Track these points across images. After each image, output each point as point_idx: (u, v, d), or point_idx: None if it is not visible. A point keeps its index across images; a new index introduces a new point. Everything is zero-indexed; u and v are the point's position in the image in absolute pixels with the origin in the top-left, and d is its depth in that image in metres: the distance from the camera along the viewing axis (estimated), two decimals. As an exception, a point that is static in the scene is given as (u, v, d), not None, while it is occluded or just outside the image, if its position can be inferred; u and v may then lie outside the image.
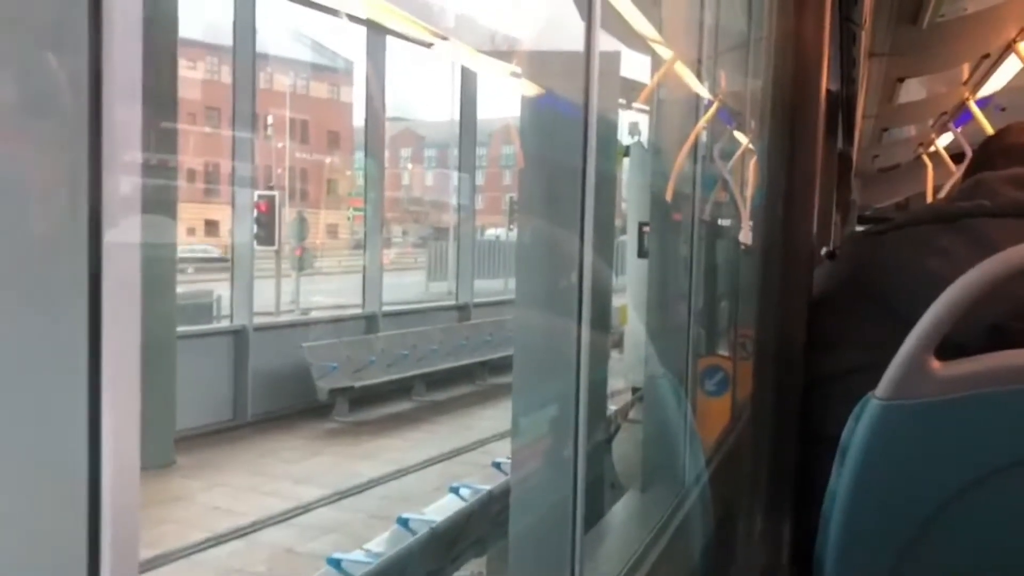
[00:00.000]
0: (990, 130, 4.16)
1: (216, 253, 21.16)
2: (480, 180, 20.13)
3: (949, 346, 1.00)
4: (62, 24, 0.70)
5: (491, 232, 30.25)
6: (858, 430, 1.02)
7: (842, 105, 3.73)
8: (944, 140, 5.74)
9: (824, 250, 1.66)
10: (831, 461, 1.07)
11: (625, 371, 5.90)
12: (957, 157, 5.09)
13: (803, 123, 1.35)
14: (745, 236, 3.58)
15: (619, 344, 5.97)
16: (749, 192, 4.01)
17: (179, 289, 10.65)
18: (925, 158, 6.41)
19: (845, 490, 1.04)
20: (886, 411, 1.00)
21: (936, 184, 5.92)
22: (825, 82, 1.39)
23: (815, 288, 1.36)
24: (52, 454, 0.69)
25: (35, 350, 0.68)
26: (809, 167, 1.36)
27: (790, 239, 1.34)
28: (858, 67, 3.09)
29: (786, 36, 1.43)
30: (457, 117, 15.66)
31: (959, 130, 4.90)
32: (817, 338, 1.29)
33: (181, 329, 9.58)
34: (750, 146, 4.02)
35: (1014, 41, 3.24)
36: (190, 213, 33.19)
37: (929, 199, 5.68)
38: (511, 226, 26.77)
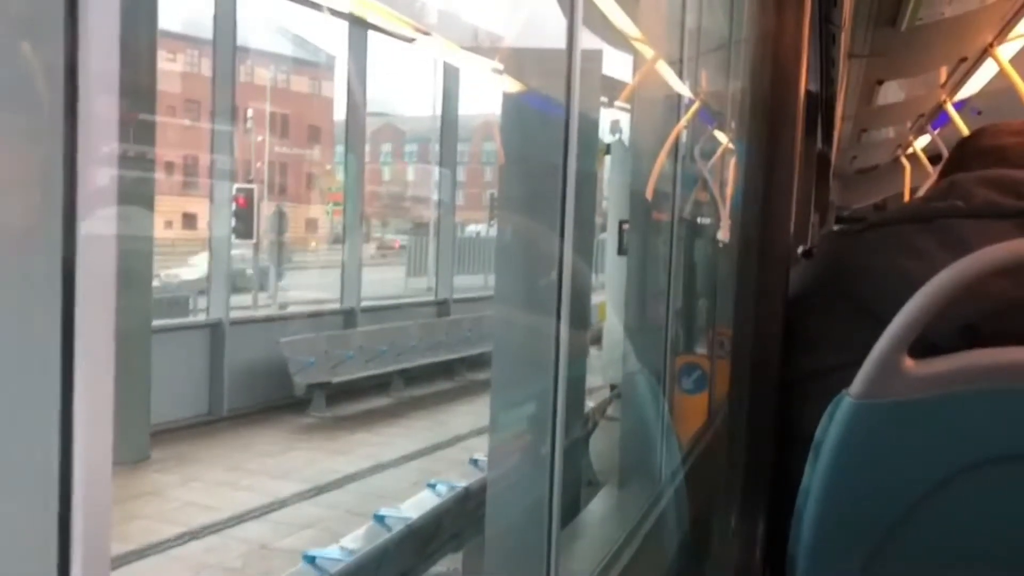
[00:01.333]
0: (966, 132, 4.21)
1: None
2: (461, 176, 20.11)
3: (923, 345, 1.01)
4: (38, 13, 0.70)
5: (471, 228, 30.24)
6: (831, 428, 1.03)
7: (821, 106, 3.76)
8: (922, 142, 5.80)
9: (800, 249, 1.67)
10: (805, 460, 1.08)
11: (603, 368, 5.91)
12: (935, 159, 5.15)
13: (782, 123, 1.35)
14: (724, 234, 3.60)
15: (598, 341, 5.98)
16: (729, 191, 4.03)
17: (154, 282, 10.56)
18: (903, 159, 6.48)
19: (818, 488, 1.05)
20: (859, 409, 1.01)
21: (913, 185, 5.99)
22: (804, 83, 1.40)
23: (792, 287, 1.37)
24: (22, 447, 0.68)
25: (7, 341, 0.67)
26: (787, 167, 1.36)
27: (768, 238, 1.35)
28: (837, 68, 3.11)
29: (765, 37, 1.44)
30: (439, 113, 15.62)
31: (936, 132, 4.95)
32: (794, 337, 1.30)
33: (156, 322, 9.51)
34: (730, 146, 4.04)
35: (991, 45, 3.28)
36: (167, 206, 32.89)
37: (907, 200, 5.73)
38: (491, 222, 26.76)
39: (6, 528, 0.67)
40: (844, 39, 2.69)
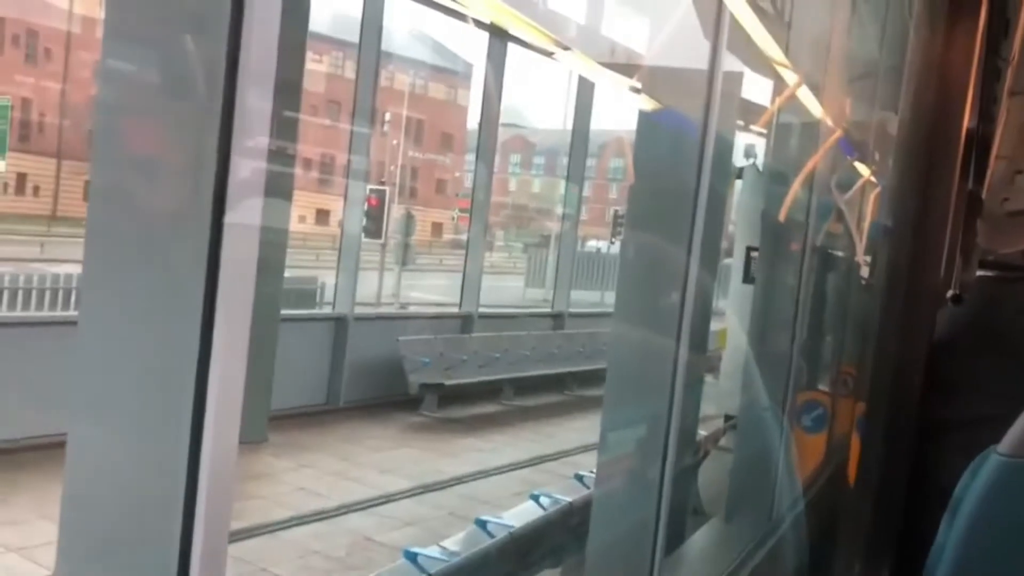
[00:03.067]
0: None
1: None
2: (587, 191, 20.08)
3: None
4: (207, 11, 0.73)
5: (592, 244, 30.18)
6: (975, 484, 0.96)
7: (977, 143, 3.56)
8: (1083, 187, 5.40)
9: (950, 293, 1.58)
10: (940, 513, 1.01)
11: (719, 397, 5.77)
12: (1097, 207, 4.78)
13: (940, 160, 1.28)
14: (860, 270, 3.45)
15: (714, 369, 5.85)
16: (866, 226, 3.86)
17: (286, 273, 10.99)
18: (1059, 205, 6.04)
19: (954, 547, 0.98)
20: (1009, 468, 0.93)
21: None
22: (967, 119, 1.32)
23: (938, 331, 1.29)
24: (159, 422, 0.71)
25: (153, 319, 0.70)
26: (942, 207, 1.29)
27: (916, 279, 1.28)
28: (998, 105, 2.94)
29: (930, 68, 1.36)
30: (569, 126, 15.66)
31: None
32: (936, 384, 1.22)
33: (284, 312, 9.87)
34: (871, 179, 3.88)
35: None
36: (303, 201, 34.26)
37: (1061, 249, 5.35)
38: (613, 239, 26.62)
39: (142, 493, 0.70)
40: (1009, 74, 2.54)
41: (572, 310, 15.47)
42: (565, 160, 16.22)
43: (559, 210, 18.57)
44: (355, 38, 11.40)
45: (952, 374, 1.20)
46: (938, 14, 1.35)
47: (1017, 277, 1.20)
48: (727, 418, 5.77)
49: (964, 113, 1.28)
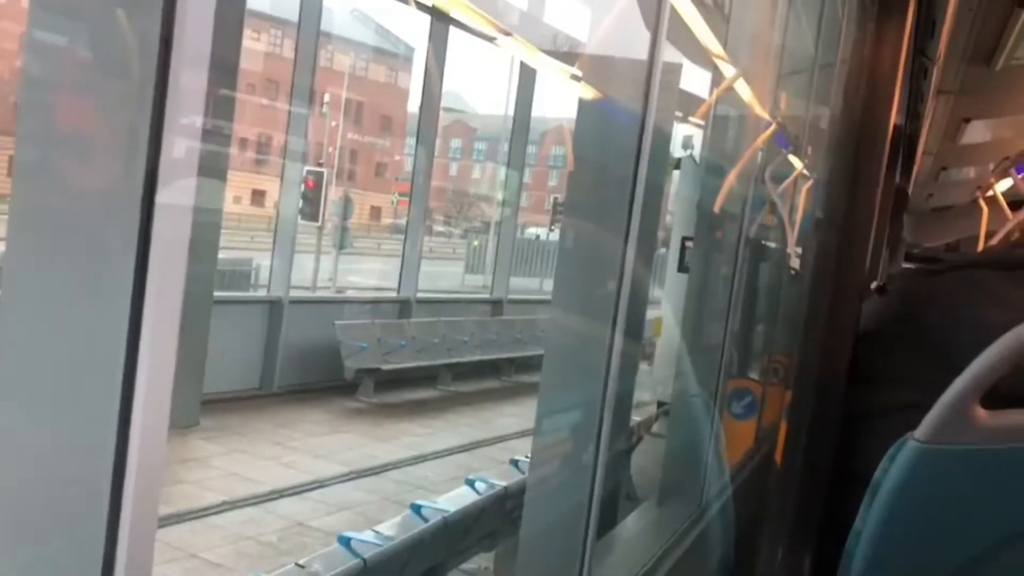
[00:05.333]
0: (1053, 180, 4.06)
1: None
2: (527, 178, 20.14)
3: (996, 395, 0.98)
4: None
5: (531, 231, 30.29)
6: (892, 470, 0.99)
7: (904, 140, 3.67)
8: (1003, 185, 5.61)
9: (874, 284, 1.63)
10: (860, 498, 1.05)
11: (653, 384, 5.86)
12: (1015, 204, 4.97)
13: (868, 155, 1.32)
14: (791, 261, 3.54)
15: (649, 356, 5.93)
16: (798, 217, 3.95)
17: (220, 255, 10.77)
18: (981, 201, 6.27)
19: (871, 530, 1.01)
20: (924, 454, 0.97)
21: (989, 229, 5.80)
22: (894, 116, 1.36)
23: (863, 322, 1.33)
24: (86, 404, 0.69)
25: (82, 300, 0.69)
26: (869, 200, 1.33)
27: (843, 270, 1.31)
28: (925, 103, 3.03)
29: (860, 66, 1.40)
30: (511, 113, 15.65)
31: (1021, 176, 4.79)
32: (860, 373, 1.26)
33: (218, 294, 9.70)
34: (804, 171, 3.97)
35: (1088, 91, 3.16)
36: (238, 181, 33.62)
37: (982, 243, 5.56)
38: (552, 226, 26.76)
39: (67, 474, 0.68)
40: (935, 74, 2.62)
41: (511, 296, 15.52)
42: (506, 147, 16.23)
43: (499, 196, 18.60)
44: (294, 17, 11.21)
45: (875, 363, 1.24)
46: (867, 14, 1.39)
47: (940, 270, 1.24)
48: (660, 404, 5.87)
49: (892, 110, 1.32)
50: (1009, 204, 5.46)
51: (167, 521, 6.02)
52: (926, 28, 1.99)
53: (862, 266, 1.35)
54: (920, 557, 1.02)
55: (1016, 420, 0.98)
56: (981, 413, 0.96)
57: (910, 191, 6.06)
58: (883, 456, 1.02)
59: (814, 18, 3.43)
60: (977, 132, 4.27)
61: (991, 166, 5.50)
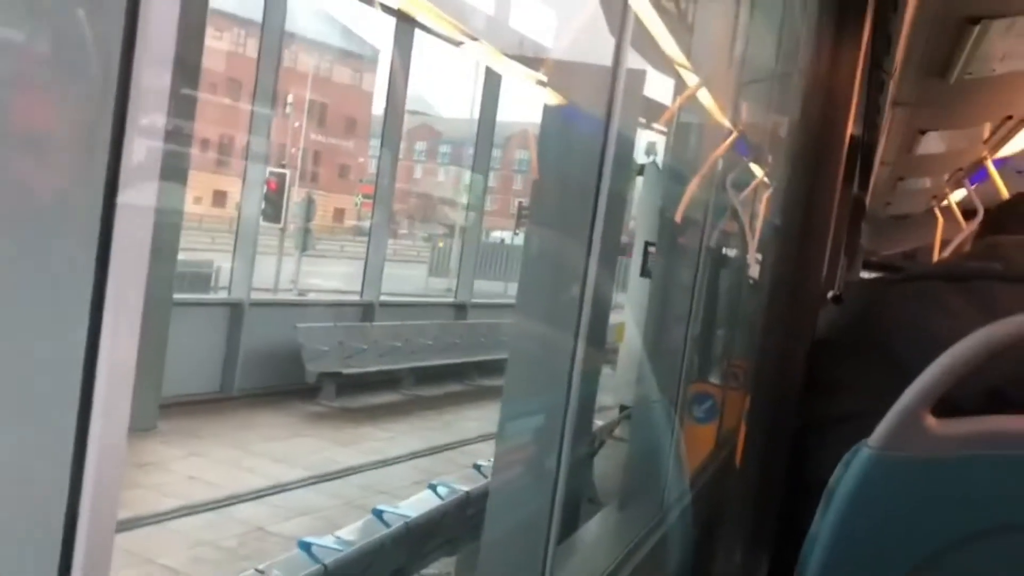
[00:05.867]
0: (1004, 191, 4.16)
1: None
2: (492, 182, 20.14)
3: (946, 404, 1.00)
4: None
5: (496, 235, 30.31)
6: (846, 477, 1.01)
7: (861, 150, 3.74)
8: (957, 195, 5.74)
9: (831, 293, 1.66)
10: (816, 504, 1.07)
11: (615, 388, 5.89)
12: (968, 213, 5.09)
13: (825, 165, 1.35)
14: (751, 269, 3.58)
15: (612, 361, 5.97)
16: (759, 225, 4.01)
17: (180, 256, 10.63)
18: (937, 211, 6.41)
19: (826, 535, 1.03)
20: (877, 461, 0.99)
21: (945, 237, 5.92)
22: (851, 127, 1.39)
23: (819, 330, 1.36)
24: (43, 407, 0.68)
25: (40, 302, 0.68)
26: (826, 209, 1.35)
27: (800, 278, 1.34)
28: (882, 115, 3.09)
29: (817, 77, 1.43)
30: (476, 117, 15.66)
31: (973, 187, 4.90)
32: (815, 381, 1.29)
33: (177, 296, 9.57)
34: (765, 180, 4.02)
35: (1039, 106, 3.24)
36: (199, 182, 33.21)
37: (937, 252, 5.68)
38: (517, 230, 26.80)
39: (20, 485, 0.67)
40: (892, 86, 2.67)
41: (475, 300, 15.51)
42: (471, 150, 16.23)
43: (464, 200, 18.57)
44: (258, 16, 11.11)
45: (830, 372, 1.27)
46: (825, 28, 1.42)
47: (895, 280, 1.27)
48: (622, 409, 5.91)
49: (848, 121, 1.35)
50: (963, 213, 5.59)
51: (124, 526, 5.92)
52: (882, 42, 2.03)
53: (819, 274, 1.38)
54: (874, 562, 1.05)
55: (965, 428, 1.00)
56: (932, 421, 0.99)
57: (868, 200, 6.17)
58: (838, 463, 1.04)
59: (775, 29, 3.48)
60: (932, 143, 4.36)
61: (946, 176, 5.62)
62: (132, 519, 6.15)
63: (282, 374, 10.88)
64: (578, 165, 1.83)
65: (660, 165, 5.70)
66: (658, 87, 3.79)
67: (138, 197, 0.69)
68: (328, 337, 11.20)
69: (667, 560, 2.48)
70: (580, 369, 1.76)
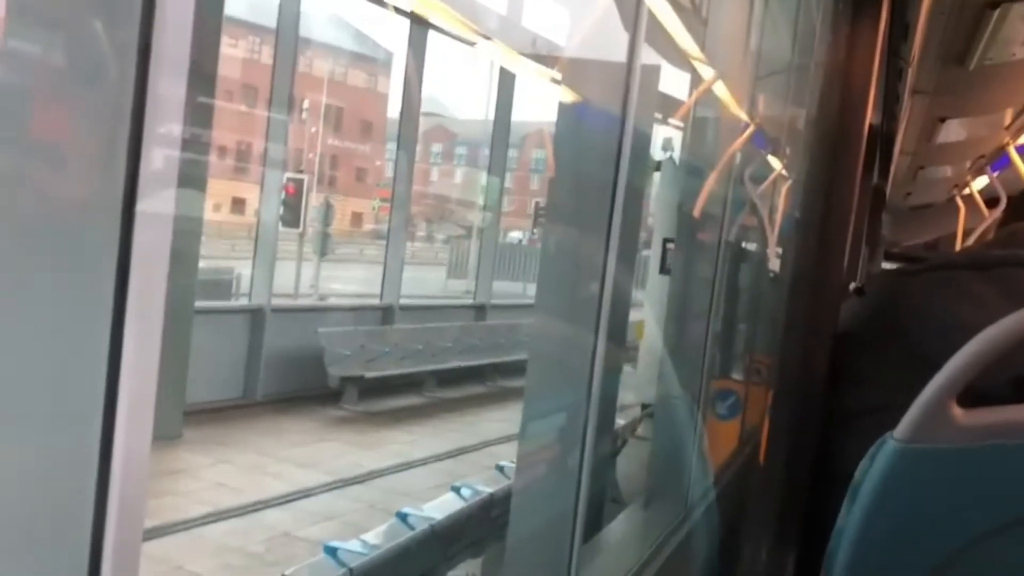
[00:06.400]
0: (1028, 178, 4.11)
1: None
2: (508, 183, 20.16)
3: (972, 394, 0.99)
4: (117, -6, 0.71)
5: (514, 235, 30.32)
6: (872, 470, 1.00)
7: (881, 140, 3.70)
8: (979, 183, 5.68)
9: (853, 285, 1.64)
10: (842, 498, 1.05)
11: (637, 386, 5.87)
12: (991, 201, 5.03)
13: (844, 155, 1.33)
14: (771, 262, 3.56)
15: (632, 359, 5.95)
16: (778, 218, 3.98)
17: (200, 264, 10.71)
18: (958, 200, 6.33)
19: (853, 530, 1.02)
20: (903, 453, 0.98)
21: (967, 227, 5.86)
22: (869, 116, 1.38)
23: (841, 323, 1.35)
24: (68, 417, 0.69)
25: (62, 312, 0.68)
26: (846, 200, 1.34)
27: (821, 271, 1.32)
28: (901, 103, 3.06)
29: (835, 68, 1.41)
30: (491, 117, 15.66)
31: (996, 175, 4.84)
32: (840, 373, 1.27)
33: (198, 304, 9.63)
34: (783, 172, 4.00)
35: (1061, 90, 3.20)
36: (218, 189, 33.45)
37: (959, 241, 5.61)
38: (534, 230, 26.78)
39: (50, 489, 0.68)
40: (911, 75, 2.64)
41: (494, 301, 15.51)
42: (487, 151, 16.23)
43: (481, 201, 18.58)
44: (272, 23, 11.17)
45: (854, 364, 1.25)
46: (841, 17, 1.41)
47: (918, 270, 1.25)
48: (644, 407, 5.88)
49: (867, 111, 1.34)
50: (985, 202, 5.52)
51: (152, 534, 5.97)
52: (899, 29, 2.01)
53: (840, 266, 1.36)
54: (901, 555, 1.03)
55: (992, 418, 0.99)
56: (958, 412, 0.98)
57: (888, 190, 6.12)
58: (863, 456, 1.02)
59: (790, 21, 3.46)
60: (953, 131, 4.31)
61: (967, 164, 5.56)
62: (161, 527, 6.20)
63: (304, 379, 10.93)
64: (594, 163, 1.82)
65: (677, 161, 5.67)
66: (674, 82, 3.78)
67: (157, 205, 0.69)
68: (349, 341, 11.24)
69: (693, 558, 2.47)
70: (601, 368, 1.76)
